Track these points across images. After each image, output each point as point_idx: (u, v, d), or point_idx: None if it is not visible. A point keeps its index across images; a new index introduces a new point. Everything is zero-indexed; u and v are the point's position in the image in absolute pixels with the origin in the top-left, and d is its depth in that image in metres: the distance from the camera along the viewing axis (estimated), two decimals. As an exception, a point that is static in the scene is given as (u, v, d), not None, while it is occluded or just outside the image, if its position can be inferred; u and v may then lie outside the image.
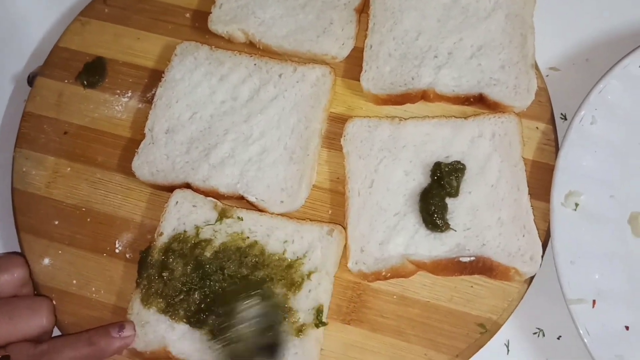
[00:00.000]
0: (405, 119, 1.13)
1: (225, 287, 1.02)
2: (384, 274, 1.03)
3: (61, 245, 1.13)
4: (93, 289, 1.10)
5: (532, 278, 1.06)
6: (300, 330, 1.01)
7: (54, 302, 1.08)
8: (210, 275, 1.03)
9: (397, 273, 1.03)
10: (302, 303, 1.02)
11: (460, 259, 1.02)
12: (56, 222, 1.14)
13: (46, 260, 1.12)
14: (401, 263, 1.03)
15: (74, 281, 1.10)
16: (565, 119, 1.17)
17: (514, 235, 1.03)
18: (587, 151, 1.08)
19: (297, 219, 1.09)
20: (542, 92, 1.15)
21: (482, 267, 1.02)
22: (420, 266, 1.04)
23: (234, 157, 1.13)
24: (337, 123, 1.17)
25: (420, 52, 1.17)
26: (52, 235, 1.13)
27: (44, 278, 1.11)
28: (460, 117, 1.13)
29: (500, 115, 1.12)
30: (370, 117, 1.15)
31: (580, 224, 1.04)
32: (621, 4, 1.24)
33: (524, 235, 1.03)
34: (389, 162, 1.10)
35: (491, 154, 1.09)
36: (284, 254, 1.05)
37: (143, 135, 1.16)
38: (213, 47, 1.22)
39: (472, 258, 1.02)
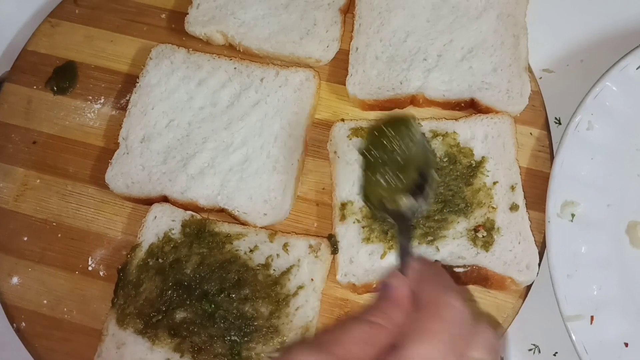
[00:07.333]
0: (394, 122, 1.08)
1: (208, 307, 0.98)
2: (374, 285, 0.99)
3: (30, 262, 1.07)
4: (65, 309, 1.04)
5: (527, 292, 1.02)
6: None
7: (23, 324, 1.02)
8: (191, 293, 0.98)
9: (388, 286, 0.99)
10: (289, 322, 0.97)
11: (455, 269, 0.98)
12: (25, 238, 1.09)
13: (15, 279, 1.06)
14: (392, 275, 0.98)
15: (45, 301, 1.05)
16: (560, 123, 1.13)
17: (509, 242, 1.00)
18: (584, 158, 1.04)
19: (282, 232, 1.04)
20: (536, 96, 1.11)
21: (477, 277, 0.99)
22: (412, 279, 0.99)
23: (214, 166, 1.08)
24: (322, 130, 1.12)
25: (408, 55, 1.12)
26: (21, 252, 1.08)
27: (12, 298, 1.05)
28: (451, 119, 1.08)
29: (492, 116, 1.07)
30: (357, 120, 1.10)
31: (576, 235, 1.00)
32: (618, 2, 1.19)
33: (519, 243, 1.00)
34: None
35: (484, 156, 1.05)
36: (268, 269, 1.00)
37: (117, 145, 1.10)
38: (190, 50, 1.16)
39: (467, 268, 0.98)
